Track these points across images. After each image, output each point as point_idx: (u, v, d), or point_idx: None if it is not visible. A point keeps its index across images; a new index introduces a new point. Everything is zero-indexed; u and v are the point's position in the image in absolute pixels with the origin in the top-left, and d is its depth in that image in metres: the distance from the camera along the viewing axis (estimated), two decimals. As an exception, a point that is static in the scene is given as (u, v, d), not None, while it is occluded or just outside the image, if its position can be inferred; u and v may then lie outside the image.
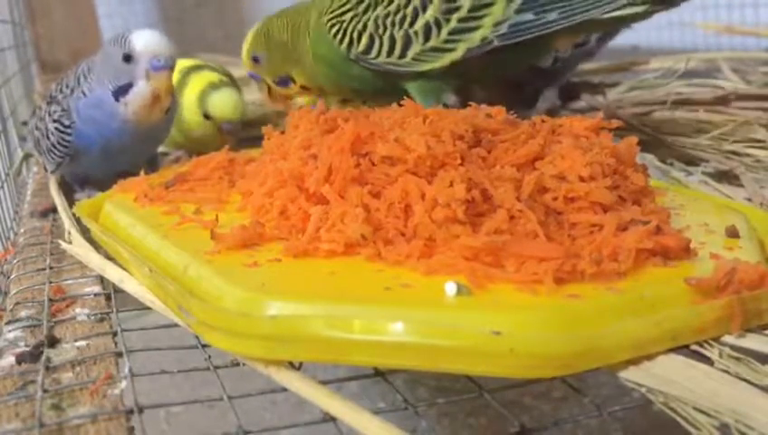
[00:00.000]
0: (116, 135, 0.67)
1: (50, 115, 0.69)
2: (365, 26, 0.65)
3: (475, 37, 0.62)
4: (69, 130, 0.68)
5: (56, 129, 0.68)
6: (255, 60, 0.75)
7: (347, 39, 0.66)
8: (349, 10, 0.67)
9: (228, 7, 2.25)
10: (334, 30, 0.67)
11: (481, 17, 0.62)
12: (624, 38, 1.05)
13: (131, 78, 0.65)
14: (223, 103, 0.81)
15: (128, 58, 0.64)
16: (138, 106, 0.65)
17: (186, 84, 0.82)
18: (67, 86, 0.69)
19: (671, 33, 1.35)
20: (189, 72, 0.83)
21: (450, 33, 0.62)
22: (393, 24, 0.64)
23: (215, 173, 0.61)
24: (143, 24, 2.13)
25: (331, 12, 0.68)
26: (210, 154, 0.63)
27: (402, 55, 0.64)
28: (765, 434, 0.29)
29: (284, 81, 0.76)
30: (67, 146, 0.68)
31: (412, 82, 0.66)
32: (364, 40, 0.65)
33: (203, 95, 0.81)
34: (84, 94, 0.67)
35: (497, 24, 0.61)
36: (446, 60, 0.63)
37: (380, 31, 0.65)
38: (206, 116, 0.81)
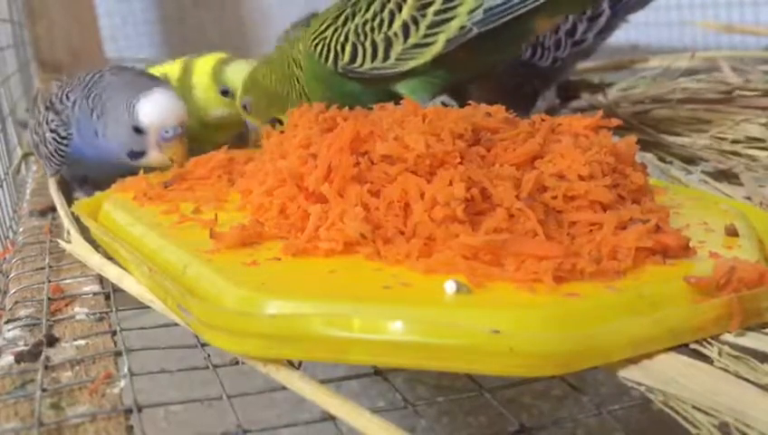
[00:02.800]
0: (119, 167, 0.67)
1: (47, 123, 0.69)
2: (346, 37, 0.66)
3: (453, 27, 0.63)
4: (65, 142, 0.68)
5: (53, 139, 0.68)
6: (245, 108, 0.74)
7: (332, 54, 0.67)
8: (329, 26, 0.68)
9: (228, 6, 2.24)
10: (319, 48, 0.68)
11: (455, 7, 0.63)
12: (623, 37, 1.05)
13: (143, 147, 0.65)
14: (242, 74, 0.74)
15: (137, 130, 0.64)
16: (151, 164, 0.66)
17: (191, 70, 0.78)
18: (68, 97, 0.68)
19: (670, 32, 1.35)
20: (189, 61, 0.80)
21: (428, 28, 0.63)
22: (372, 30, 0.65)
23: (214, 172, 0.61)
24: (142, 22, 2.13)
25: (314, 33, 0.69)
26: (209, 154, 0.63)
27: (386, 57, 0.65)
28: (765, 433, 0.29)
29: (273, 123, 0.75)
30: (64, 156, 0.68)
31: (402, 83, 0.67)
32: (347, 50, 0.66)
33: (217, 71, 0.76)
34: (96, 135, 0.66)
35: (472, 11, 0.62)
36: (428, 54, 0.64)
37: (362, 39, 0.65)
38: (224, 92, 0.76)
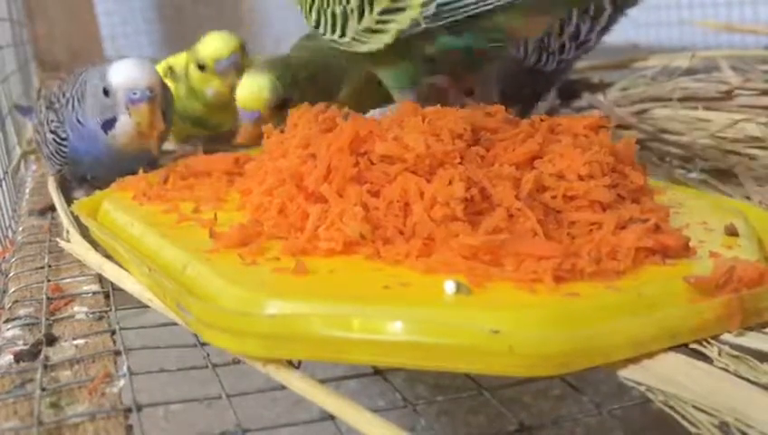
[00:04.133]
0: (109, 158, 0.67)
1: (48, 123, 0.69)
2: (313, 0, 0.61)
3: (404, 18, 0.57)
4: (65, 143, 0.68)
5: (53, 139, 0.69)
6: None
7: (302, 12, 0.62)
8: None
9: (227, 4, 2.24)
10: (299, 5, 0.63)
11: None
12: (623, 37, 1.05)
13: (114, 112, 0.65)
14: (211, 41, 0.79)
15: (106, 92, 0.64)
16: (125, 139, 0.65)
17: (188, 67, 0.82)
18: (64, 95, 0.69)
19: (670, 31, 1.34)
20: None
21: (380, 14, 0.58)
22: (334, 0, 0.60)
23: (214, 171, 0.61)
24: (141, 21, 2.13)
25: None
26: (211, 155, 0.64)
27: (342, 34, 0.60)
28: (765, 432, 0.29)
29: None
30: (64, 156, 0.69)
31: (381, 70, 0.62)
32: (313, 15, 0.62)
33: (192, 49, 0.80)
34: (80, 122, 0.67)
35: (425, 5, 0.56)
36: (379, 42, 0.59)
37: (324, 5, 0.61)
38: (200, 66, 0.79)
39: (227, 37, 0.79)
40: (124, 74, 0.63)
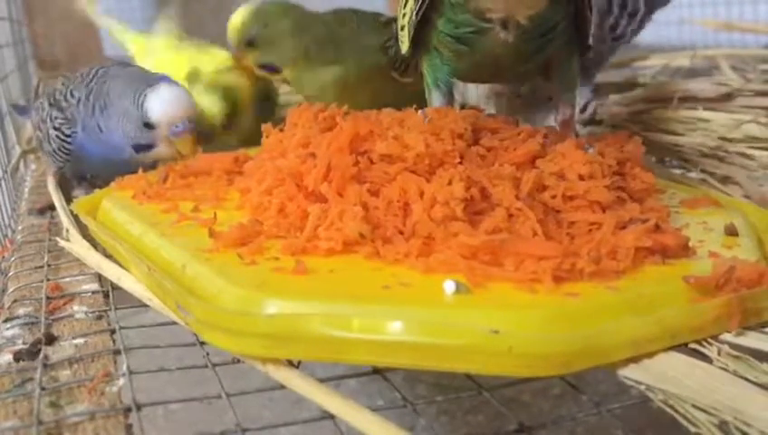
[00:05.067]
0: (124, 163, 0.67)
1: (51, 120, 0.69)
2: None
3: (409, 7, 0.55)
4: (69, 140, 0.68)
5: (57, 136, 0.69)
6: (250, 43, 0.76)
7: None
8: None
9: (225, 2, 2.24)
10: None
11: None
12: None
13: (152, 140, 0.65)
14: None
15: (147, 125, 0.65)
16: (155, 157, 0.67)
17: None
18: (72, 94, 0.68)
19: (669, 30, 1.34)
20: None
21: (403, 6, 0.56)
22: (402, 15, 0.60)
23: (214, 170, 0.61)
24: (141, 20, 2.13)
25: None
26: (210, 154, 0.64)
27: (402, 42, 0.58)
28: (764, 431, 0.29)
29: (271, 68, 0.77)
30: (68, 153, 0.69)
31: (424, 69, 0.62)
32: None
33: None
34: (100, 129, 0.67)
35: None
36: (405, 37, 0.56)
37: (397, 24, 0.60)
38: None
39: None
40: (165, 109, 0.64)
